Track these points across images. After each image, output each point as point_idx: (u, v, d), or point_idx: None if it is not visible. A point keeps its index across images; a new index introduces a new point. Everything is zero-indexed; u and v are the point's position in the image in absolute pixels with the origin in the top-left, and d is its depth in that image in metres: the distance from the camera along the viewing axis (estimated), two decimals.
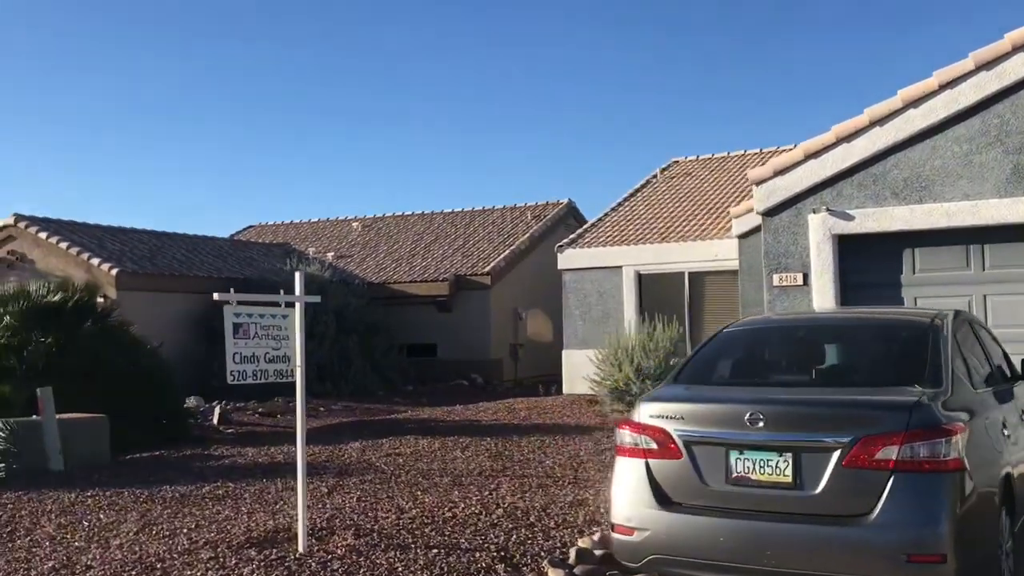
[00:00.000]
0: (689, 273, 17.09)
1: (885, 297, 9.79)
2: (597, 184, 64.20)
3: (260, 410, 16.64)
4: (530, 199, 29.28)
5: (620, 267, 17.72)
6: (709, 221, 17.97)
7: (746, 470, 4.75)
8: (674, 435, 4.96)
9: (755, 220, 15.11)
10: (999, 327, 9.23)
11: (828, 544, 4.46)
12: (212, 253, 23.42)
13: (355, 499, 8.21)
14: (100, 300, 14.08)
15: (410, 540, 6.67)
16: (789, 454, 4.62)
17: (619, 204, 20.38)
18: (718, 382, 5.60)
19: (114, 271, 18.59)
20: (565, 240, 18.90)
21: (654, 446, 5.02)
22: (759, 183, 10.42)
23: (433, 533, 6.87)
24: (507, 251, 23.32)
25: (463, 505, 7.78)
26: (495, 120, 63.73)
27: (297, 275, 6.68)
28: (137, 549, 6.65)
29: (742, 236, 15.66)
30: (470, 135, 63.88)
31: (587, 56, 57.70)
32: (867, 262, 9.96)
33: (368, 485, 8.86)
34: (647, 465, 5.04)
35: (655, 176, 21.88)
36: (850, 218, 9.93)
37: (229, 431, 14.39)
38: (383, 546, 6.49)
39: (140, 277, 18.93)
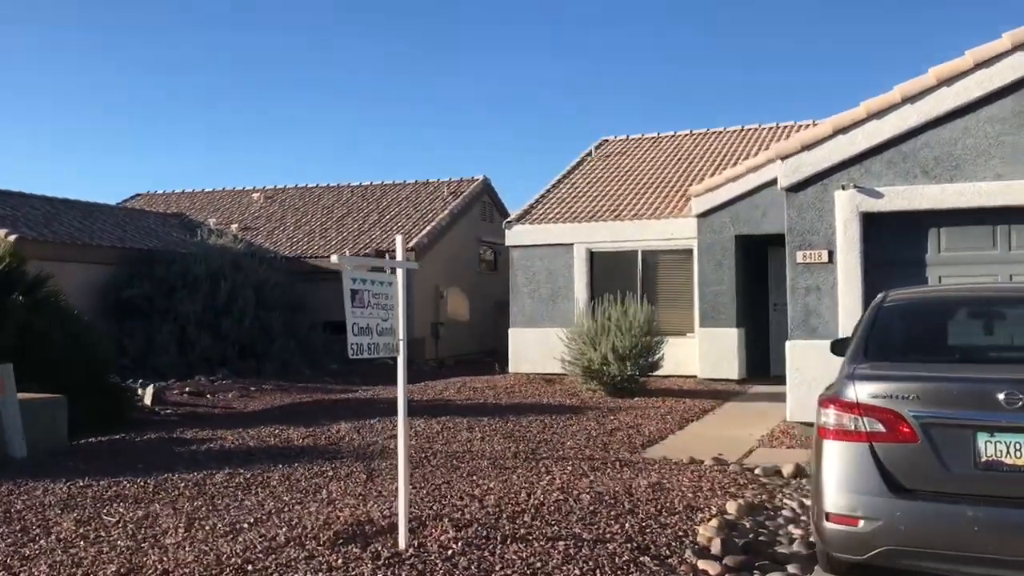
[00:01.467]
0: (643, 251, 16.82)
1: (910, 276, 9.73)
2: (499, 163, 63.80)
3: (188, 390, 15.36)
4: (432, 175, 28.42)
5: (571, 244, 17.32)
6: (657, 200, 17.79)
7: (999, 454, 4.36)
8: (907, 417, 4.52)
9: (716, 199, 15.00)
10: None
11: None
12: (109, 222, 21.58)
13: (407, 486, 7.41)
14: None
15: (522, 531, 6.01)
16: None
17: (558, 181, 19.95)
18: (937, 359, 5.18)
19: (12, 237, 16.71)
20: (513, 216, 18.34)
21: (881, 428, 4.57)
22: (784, 158, 10.16)
23: (538, 523, 6.23)
24: (428, 227, 22.55)
25: (539, 491, 7.16)
26: (389, 95, 62.28)
27: (399, 238, 5.90)
28: (207, 548, 5.72)
29: (702, 215, 15.55)
30: (370, 106, 62.19)
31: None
32: (892, 241, 9.88)
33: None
34: (871, 449, 4.58)
35: (589, 154, 21.57)
36: (879, 196, 9.81)
37: (168, 412, 13.15)
38: (497, 538, 5.80)
39: (41, 245, 17.09)
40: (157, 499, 7.21)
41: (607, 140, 22.52)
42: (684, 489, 7.29)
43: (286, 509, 6.78)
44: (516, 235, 17.89)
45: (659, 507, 6.71)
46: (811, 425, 9.41)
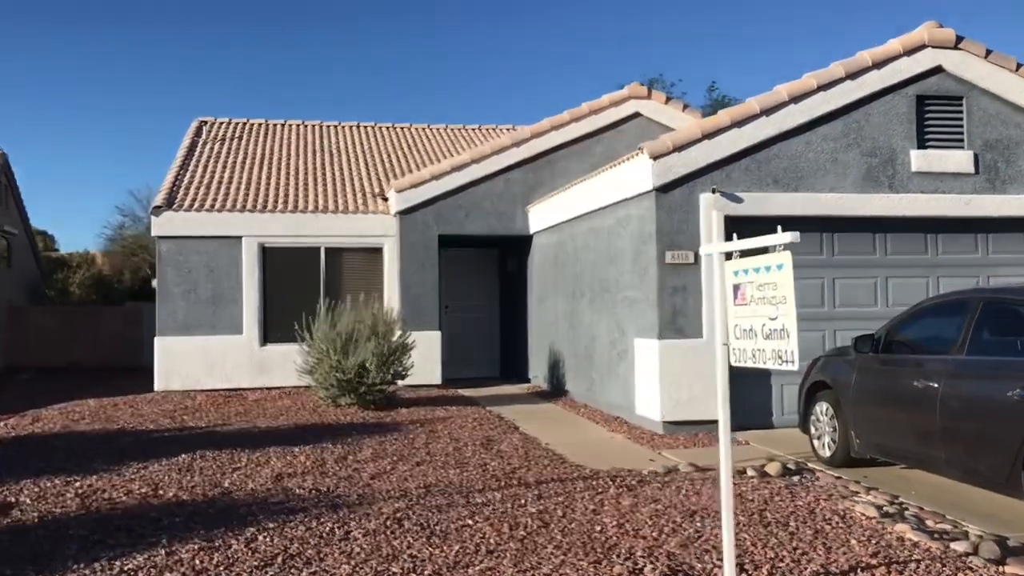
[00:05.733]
0: (327, 248, 15.22)
1: None
2: None
3: None
4: None
5: (240, 238, 14.92)
6: (337, 192, 16.24)
7: None
8: None
9: (418, 197, 14.33)
10: (843, 306, 10.59)
11: None
12: None
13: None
14: None
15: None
16: None
17: (183, 163, 16.98)
18: None
19: None
20: (159, 199, 15.10)
21: None
22: (656, 158, 10.02)
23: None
24: None
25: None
26: None
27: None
28: None
29: (403, 212, 14.70)
30: None
31: None
32: None
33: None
34: None
35: (202, 136, 18.75)
36: (739, 200, 10.23)
37: None
38: None
39: None
40: None
41: (205, 121, 19.79)
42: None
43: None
44: (166, 223, 14.81)
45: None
46: (685, 423, 9.50)
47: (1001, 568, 5.36)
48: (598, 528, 6.13)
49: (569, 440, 9.76)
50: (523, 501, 6.93)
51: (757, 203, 10.20)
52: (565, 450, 9.15)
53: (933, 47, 10.56)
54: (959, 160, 10.63)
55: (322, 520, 6.36)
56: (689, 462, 8.44)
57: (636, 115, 15.42)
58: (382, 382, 11.92)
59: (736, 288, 4.61)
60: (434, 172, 14.93)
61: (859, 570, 5.26)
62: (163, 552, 5.61)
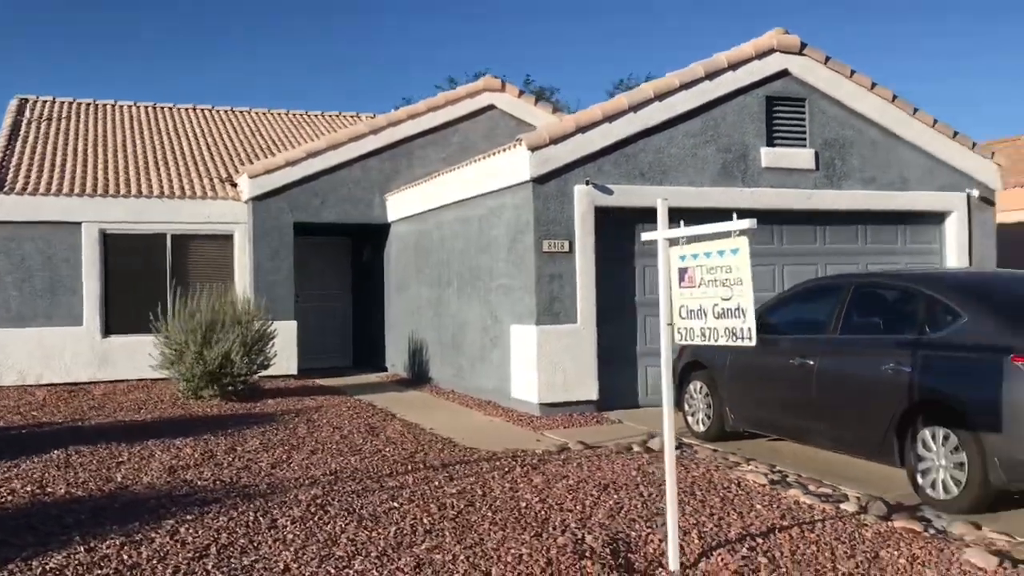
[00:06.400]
0: (173, 235, 14.66)
1: (627, 266, 10.92)
2: None
3: None
4: None
5: (79, 224, 14.13)
6: (180, 176, 15.59)
7: None
8: None
9: (272, 183, 14.18)
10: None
11: None
12: None
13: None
14: None
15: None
16: None
17: (8, 144, 15.81)
18: None
19: None
20: None
21: None
22: (533, 149, 10.31)
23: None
24: None
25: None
26: None
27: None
28: None
29: (256, 199, 14.47)
30: None
31: None
32: (616, 233, 10.86)
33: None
34: None
35: (24, 115, 17.46)
36: (610, 192, 10.69)
37: None
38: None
39: None
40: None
41: (26, 99, 18.44)
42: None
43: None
44: None
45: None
46: (561, 405, 9.91)
47: (890, 523, 6.00)
48: (523, 504, 6.35)
49: (451, 425, 9.91)
50: (437, 483, 7.04)
51: (626, 195, 10.70)
52: (452, 434, 9.29)
53: (781, 52, 11.42)
54: (802, 157, 11.57)
55: (240, 510, 6.23)
56: (577, 440, 8.80)
57: (491, 107, 15.69)
58: (248, 372, 11.61)
59: (683, 271, 4.93)
60: (289, 158, 14.63)
61: (777, 531, 5.75)
62: (82, 549, 5.36)
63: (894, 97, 11.95)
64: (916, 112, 12.05)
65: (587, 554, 5.21)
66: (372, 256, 16.28)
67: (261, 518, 6.05)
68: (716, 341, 4.72)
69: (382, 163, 15.11)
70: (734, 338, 4.59)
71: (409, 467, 7.68)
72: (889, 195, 11.89)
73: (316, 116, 20.11)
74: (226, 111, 19.71)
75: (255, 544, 5.51)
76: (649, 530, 5.71)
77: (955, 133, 12.29)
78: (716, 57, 11.15)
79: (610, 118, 10.56)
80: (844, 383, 7.35)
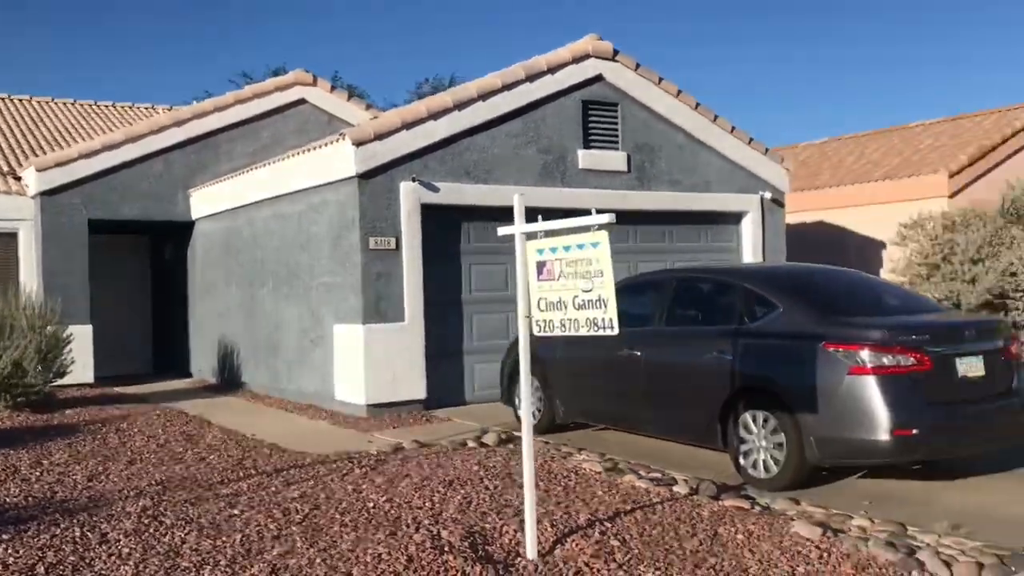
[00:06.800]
0: None
1: (453, 264, 11.00)
2: None
3: None
4: None
5: None
6: None
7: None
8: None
9: (64, 177, 13.41)
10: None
11: None
12: None
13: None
14: None
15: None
16: None
17: None
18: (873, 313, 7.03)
19: None
20: None
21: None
22: (359, 144, 10.14)
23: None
24: None
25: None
26: None
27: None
28: None
29: (46, 194, 13.59)
30: None
31: None
32: (442, 231, 10.89)
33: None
34: None
35: None
36: (436, 190, 10.69)
37: None
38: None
39: None
40: None
41: None
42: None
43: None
44: None
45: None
46: (388, 405, 9.89)
47: (721, 503, 6.38)
48: (371, 505, 6.25)
49: (274, 430, 9.60)
50: (274, 488, 6.81)
51: (452, 192, 10.76)
52: (277, 439, 9.01)
53: (596, 57, 11.86)
54: (615, 159, 12.06)
55: (63, 526, 5.78)
56: (412, 440, 8.76)
57: (302, 101, 15.33)
58: (44, 382, 10.73)
59: (540, 265, 5.03)
60: (83, 150, 13.66)
61: (622, 515, 5.97)
62: None
63: (697, 104, 12.69)
64: (716, 119, 12.84)
65: (446, 549, 5.21)
66: (175, 255, 15.46)
67: (89, 533, 5.63)
68: (577, 331, 4.84)
69: (187, 157, 14.39)
70: (596, 328, 4.73)
71: (240, 474, 7.37)
72: (694, 196, 12.60)
73: (108, 107, 18.86)
74: (1, 99, 18.10)
75: (87, 560, 5.13)
76: (502, 521, 5.77)
77: (751, 139, 13.20)
78: (535, 60, 11.41)
79: (435, 116, 10.58)
80: (670, 372, 7.73)
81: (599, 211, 11.39)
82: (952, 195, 15.12)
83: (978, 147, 15.65)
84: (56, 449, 8.48)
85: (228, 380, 13.49)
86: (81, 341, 13.18)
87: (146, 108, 19.10)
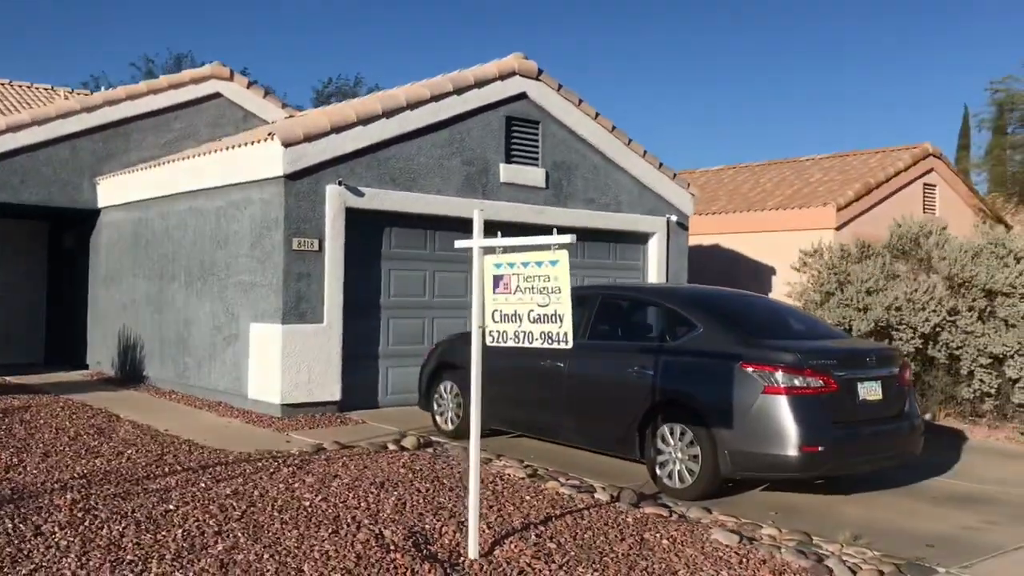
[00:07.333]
0: None
1: (373, 267, 11.13)
2: None
3: None
4: None
5: None
6: None
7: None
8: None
9: None
10: (442, 297, 11.86)
11: None
12: None
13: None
14: None
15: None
16: None
17: None
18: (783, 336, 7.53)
19: None
20: None
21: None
22: (288, 145, 10.16)
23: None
24: None
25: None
26: None
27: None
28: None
29: None
30: None
31: None
32: (367, 235, 10.98)
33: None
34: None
35: None
36: (361, 194, 10.78)
37: None
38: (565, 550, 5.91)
39: None
40: None
41: None
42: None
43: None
44: None
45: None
46: (304, 406, 9.97)
47: (641, 510, 6.75)
48: (307, 503, 6.37)
49: (187, 426, 9.53)
50: (204, 484, 6.83)
51: (377, 198, 10.90)
52: (192, 436, 8.96)
53: (521, 75, 12.20)
54: (535, 175, 12.41)
55: None
56: (332, 440, 8.85)
57: (217, 95, 15.16)
58: None
59: (497, 279, 5.29)
60: None
61: (552, 519, 6.27)
62: None
63: (613, 127, 13.18)
64: (630, 143, 13.37)
65: (392, 548, 5.39)
66: (76, 244, 15.00)
67: (21, 525, 5.58)
68: (531, 343, 5.12)
69: (95, 144, 14.03)
70: (550, 341, 5.02)
71: (165, 469, 7.34)
72: (606, 215, 13.07)
73: (4, 85, 18.11)
74: None
75: (25, 552, 5.10)
76: (440, 523, 5.99)
77: (660, 164, 13.78)
78: (463, 73, 11.66)
79: (364, 121, 10.70)
80: (592, 385, 8.08)
81: (517, 225, 11.74)
82: (839, 227, 16.11)
83: (864, 184, 16.71)
84: None
85: (129, 373, 13.20)
86: None
87: (46, 89, 18.44)
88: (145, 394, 12.10)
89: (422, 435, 9.26)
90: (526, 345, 5.14)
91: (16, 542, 5.26)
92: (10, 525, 5.57)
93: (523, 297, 5.13)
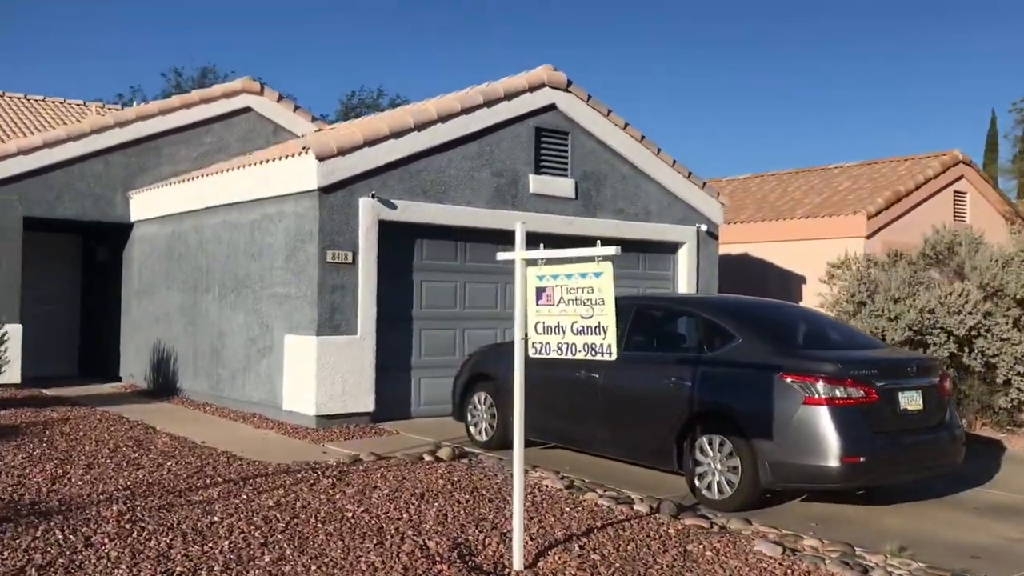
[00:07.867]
0: None
1: (405, 279, 11.18)
2: None
3: None
4: None
5: None
6: None
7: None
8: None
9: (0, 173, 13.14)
10: (473, 308, 11.89)
11: None
12: None
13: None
14: None
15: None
16: None
17: None
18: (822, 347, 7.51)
19: None
20: None
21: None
22: (321, 159, 10.25)
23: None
24: None
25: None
26: None
27: None
28: None
29: None
30: None
31: None
32: (397, 247, 11.04)
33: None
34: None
35: None
36: (393, 207, 10.85)
37: None
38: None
39: None
40: None
41: None
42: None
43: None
44: None
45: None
46: (338, 417, 10.01)
47: (681, 521, 6.74)
48: (349, 515, 6.41)
49: (223, 438, 9.60)
50: (246, 496, 6.88)
51: (409, 210, 10.96)
52: (230, 447, 9.03)
53: (550, 87, 12.24)
54: (565, 186, 12.44)
55: (42, 528, 5.78)
56: (368, 452, 8.88)
57: (248, 109, 15.31)
58: None
59: (540, 290, 5.31)
60: (22, 146, 13.35)
61: (593, 531, 6.27)
62: None
63: (642, 137, 13.19)
64: (659, 152, 13.37)
65: (437, 559, 5.41)
66: (109, 257, 15.18)
67: (72, 536, 5.65)
68: (574, 355, 5.13)
69: (128, 159, 14.21)
70: (593, 352, 5.03)
71: (207, 481, 7.41)
72: (636, 225, 13.07)
73: (37, 101, 18.39)
74: None
75: (77, 563, 5.17)
76: (483, 534, 6.00)
77: (689, 173, 13.77)
78: (492, 85, 11.72)
79: (396, 134, 10.78)
80: (629, 396, 8.08)
81: (547, 236, 11.78)
82: (869, 236, 16.03)
83: (893, 192, 16.62)
84: (4, 451, 8.33)
85: (162, 385, 13.32)
86: (11, 341, 12.85)
87: (77, 104, 18.70)
88: (179, 406, 12.20)
89: (456, 446, 9.28)
90: (569, 357, 5.16)
91: (68, 553, 5.33)
92: (60, 536, 5.64)
93: (566, 309, 5.15)
